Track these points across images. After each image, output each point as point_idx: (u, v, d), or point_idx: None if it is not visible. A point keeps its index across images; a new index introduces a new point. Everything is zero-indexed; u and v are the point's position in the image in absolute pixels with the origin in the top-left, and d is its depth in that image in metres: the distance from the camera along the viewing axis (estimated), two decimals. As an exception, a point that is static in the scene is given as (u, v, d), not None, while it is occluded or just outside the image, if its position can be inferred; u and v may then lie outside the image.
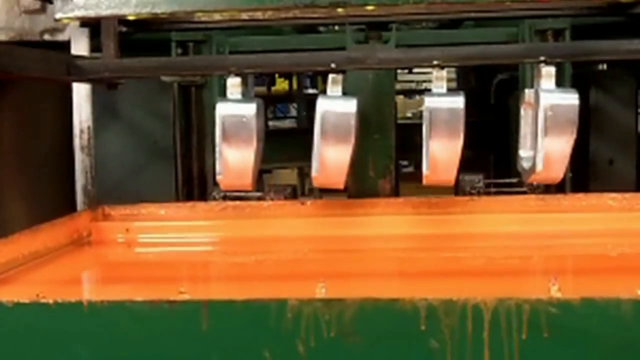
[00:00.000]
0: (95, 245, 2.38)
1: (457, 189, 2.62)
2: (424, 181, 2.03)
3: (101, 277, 2.23)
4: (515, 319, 1.41)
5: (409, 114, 8.67)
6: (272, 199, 2.55)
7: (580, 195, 2.44)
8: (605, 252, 2.15)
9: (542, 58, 1.94)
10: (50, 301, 1.47)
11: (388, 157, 2.60)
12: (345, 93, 2.03)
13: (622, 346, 1.41)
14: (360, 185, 2.10)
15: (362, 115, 2.03)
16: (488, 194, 2.67)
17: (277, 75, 7.57)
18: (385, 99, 2.61)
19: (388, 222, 2.38)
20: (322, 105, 1.96)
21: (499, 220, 2.37)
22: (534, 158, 1.93)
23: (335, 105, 1.97)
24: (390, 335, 1.44)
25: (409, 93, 9.24)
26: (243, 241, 2.37)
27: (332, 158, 1.97)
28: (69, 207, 2.57)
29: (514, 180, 2.13)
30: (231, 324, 1.46)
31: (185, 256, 2.38)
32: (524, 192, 2.53)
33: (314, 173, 2.00)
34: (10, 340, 1.50)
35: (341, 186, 2.05)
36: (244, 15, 2.50)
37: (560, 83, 1.97)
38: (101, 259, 2.35)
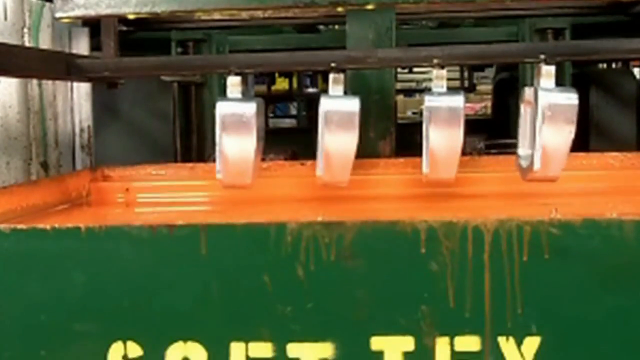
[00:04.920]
0: (94, 204, 2.34)
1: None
2: (424, 180, 2.03)
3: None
4: (516, 240, 1.38)
5: (409, 113, 8.68)
6: (272, 160, 2.51)
7: (582, 154, 2.38)
8: (606, 210, 2.12)
9: (542, 57, 1.93)
10: (48, 227, 1.44)
11: (388, 119, 2.58)
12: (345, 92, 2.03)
13: (623, 267, 1.38)
14: (360, 146, 2.08)
15: (364, 80, 1.96)
16: (489, 154, 2.62)
17: (277, 74, 7.56)
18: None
19: (388, 182, 2.34)
20: (326, 105, 1.96)
21: (500, 179, 2.32)
22: (532, 157, 1.93)
23: (339, 105, 1.97)
24: (390, 258, 1.41)
25: (409, 92, 9.24)
26: (242, 201, 2.33)
27: (336, 157, 1.97)
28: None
29: (515, 140, 2.11)
30: (230, 248, 1.43)
31: (185, 215, 2.33)
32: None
33: (318, 172, 2.00)
34: (7, 266, 1.47)
35: (345, 184, 2.05)
36: (244, 14, 2.50)
37: (560, 82, 1.96)
38: (100, 218, 2.30)
